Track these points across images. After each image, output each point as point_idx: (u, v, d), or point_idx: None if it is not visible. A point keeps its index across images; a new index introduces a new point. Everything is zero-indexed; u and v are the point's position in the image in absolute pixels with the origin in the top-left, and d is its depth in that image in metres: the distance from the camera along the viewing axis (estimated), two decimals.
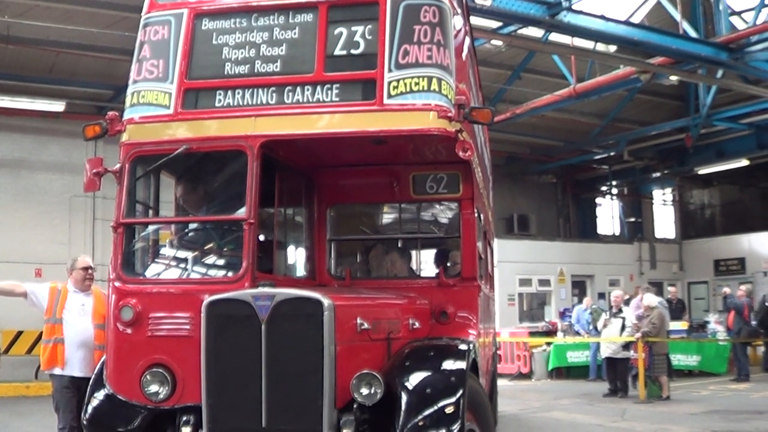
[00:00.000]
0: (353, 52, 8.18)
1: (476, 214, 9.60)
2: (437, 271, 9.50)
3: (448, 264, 9.95)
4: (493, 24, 20.12)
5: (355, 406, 7.23)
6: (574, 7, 19.21)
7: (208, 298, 7.48)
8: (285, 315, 7.23)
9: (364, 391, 7.19)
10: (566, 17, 19.00)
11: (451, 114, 7.87)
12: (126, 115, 8.47)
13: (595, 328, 24.31)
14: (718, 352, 25.45)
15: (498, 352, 19.16)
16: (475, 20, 18.60)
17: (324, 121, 8.10)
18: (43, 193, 25.20)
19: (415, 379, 7.40)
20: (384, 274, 10.24)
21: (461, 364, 7.63)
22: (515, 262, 31.35)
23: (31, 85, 24.37)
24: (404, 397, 7.22)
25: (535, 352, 26.36)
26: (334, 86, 8.10)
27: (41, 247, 24.29)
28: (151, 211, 8.80)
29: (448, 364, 7.76)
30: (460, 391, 7.27)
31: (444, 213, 10.21)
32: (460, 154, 7.95)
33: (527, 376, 26.19)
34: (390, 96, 7.91)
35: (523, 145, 35.75)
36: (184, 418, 7.65)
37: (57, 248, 24.14)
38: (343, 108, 8.05)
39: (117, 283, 8.20)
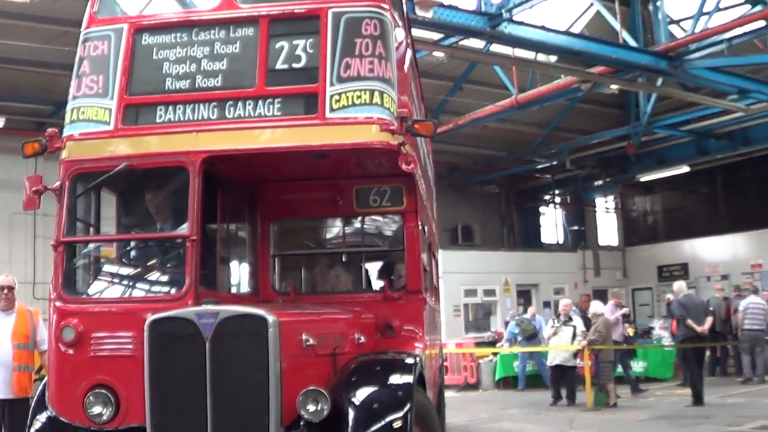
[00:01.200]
0: (295, 66, 8.17)
1: (420, 227, 9.55)
2: (382, 284, 9.49)
3: (393, 277, 9.88)
4: (435, 36, 20.11)
5: (302, 423, 7.18)
6: (514, 18, 19.28)
7: (150, 317, 7.37)
8: (229, 332, 7.15)
9: (311, 407, 7.14)
10: (507, 28, 19.06)
11: (394, 127, 7.88)
12: (66, 132, 8.38)
13: (526, 338, 24.57)
14: (663, 358, 25.62)
15: (445, 363, 19.14)
16: (417, 32, 18.60)
17: (266, 135, 8.09)
18: None
19: (361, 394, 7.40)
20: (329, 288, 10.19)
21: (408, 378, 7.64)
22: (460, 273, 31.27)
23: None
24: (351, 413, 7.19)
25: (482, 363, 26.34)
26: (276, 101, 8.08)
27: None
28: (92, 229, 8.67)
29: (395, 379, 7.76)
30: (408, 406, 7.27)
31: (388, 226, 10.15)
32: (403, 166, 7.97)
33: (474, 386, 26.17)
34: (332, 110, 7.91)
35: (466, 155, 35.81)
36: None
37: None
38: (285, 122, 8.03)
39: (58, 303, 8.05)
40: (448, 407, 15.39)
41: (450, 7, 18.29)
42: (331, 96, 7.93)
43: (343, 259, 10.46)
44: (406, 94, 8.93)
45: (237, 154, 8.22)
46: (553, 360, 21.54)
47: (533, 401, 22.03)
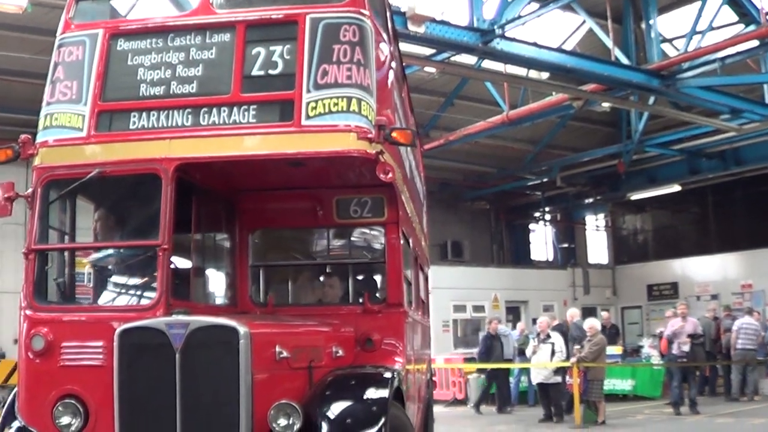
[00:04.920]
0: (271, 72, 8.03)
1: (403, 239, 9.47)
2: (362, 297, 9.29)
3: (374, 290, 9.71)
4: (427, 51, 20.12)
5: None
6: (506, 34, 19.25)
7: (120, 327, 7.25)
8: (200, 343, 7.01)
9: (282, 422, 7.03)
10: (499, 44, 19.04)
11: (371, 135, 7.74)
12: (39, 138, 8.26)
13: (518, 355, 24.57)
14: (652, 377, 25.54)
15: (433, 378, 19.09)
16: (408, 47, 18.62)
17: (240, 143, 7.92)
18: None
19: (335, 408, 7.30)
20: (308, 300, 10.06)
21: (383, 393, 7.55)
22: (449, 288, 31.18)
23: None
24: (324, 428, 7.10)
25: (471, 378, 26.28)
26: (251, 107, 7.94)
27: None
28: (66, 237, 8.51)
29: (370, 393, 7.67)
30: (382, 420, 7.17)
31: (369, 238, 9.97)
32: (381, 176, 7.83)
33: (463, 402, 26.15)
34: (308, 117, 7.76)
35: (456, 171, 35.70)
36: None
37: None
38: (260, 129, 7.90)
39: (28, 312, 7.92)
40: (436, 422, 15.33)
41: (442, 22, 18.26)
42: (308, 103, 7.78)
43: (324, 271, 10.30)
44: (390, 108, 8.82)
45: (212, 162, 8.09)
46: (535, 378, 21.59)
47: (521, 418, 22.04)
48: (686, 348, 22.21)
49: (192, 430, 6.93)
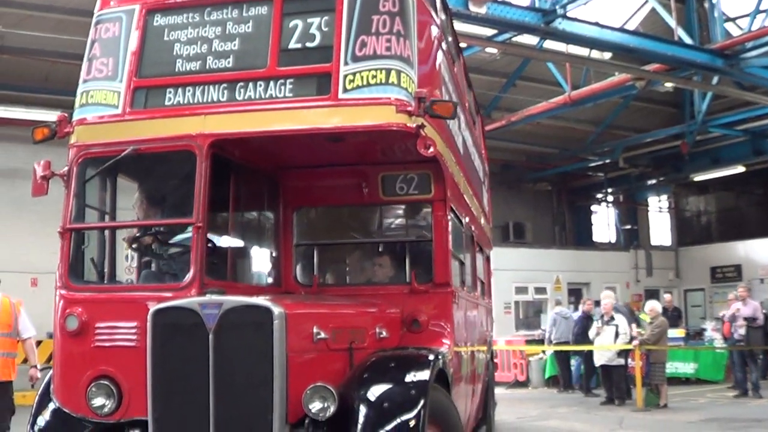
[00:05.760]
0: (308, 45, 7.75)
1: (452, 216, 9.18)
2: (409, 276, 8.95)
3: (422, 269, 9.19)
4: (488, 32, 20.05)
5: (306, 421, 6.77)
6: (568, 14, 19.18)
7: (154, 307, 7.06)
8: (233, 324, 6.78)
9: (316, 405, 6.72)
10: (561, 24, 18.93)
11: (411, 108, 7.44)
12: (75, 116, 8.16)
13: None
14: (715, 360, 25.35)
15: (495, 360, 19.01)
16: (470, 28, 18.62)
17: (276, 118, 7.67)
18: (37, 203, 24.53)
19: (373, 391, 6.97)
20: (355, 280, 9.90)
21: (424, 375, 7.18)
22: (511, 270, 31.11)
23: (26, 95, 24.20)
24: (361, 411, 6.78)
25: (532, 360, 26.28)
26: (288, 81, 7.69)
27: (36, 257, 23.98)
28: (102, 216, 8.41)
29: (410, 376, 7.26)
30: (420, 404, 6.83)
31: (416, 215, 9.68)
32: (422, 151, 7.51)
33: (524, 384, 26.15)
34: (345, 90, 7.47)
35: (518, 152, 35.68)
36: None
37: (52, 258, 23.55)
38: (296, 104, 7.62)
39: (62, 291, 7.85)
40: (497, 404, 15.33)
41: (503, 2, 18.22)
42: (345, 76, 7.48)
43: (370, 250, 9.92)
44: (436, 83, 8.55)
45: (249, 138, 7.89)
46: (598, 360, 21.43)
47: (583, 400, 21.95)
48: (742, 331, 21.99)
49: (225, 413, 6.73)
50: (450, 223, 8.95)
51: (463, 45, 16.42)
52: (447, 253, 8.79)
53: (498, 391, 17.68)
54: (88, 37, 8.41)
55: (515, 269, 31.73)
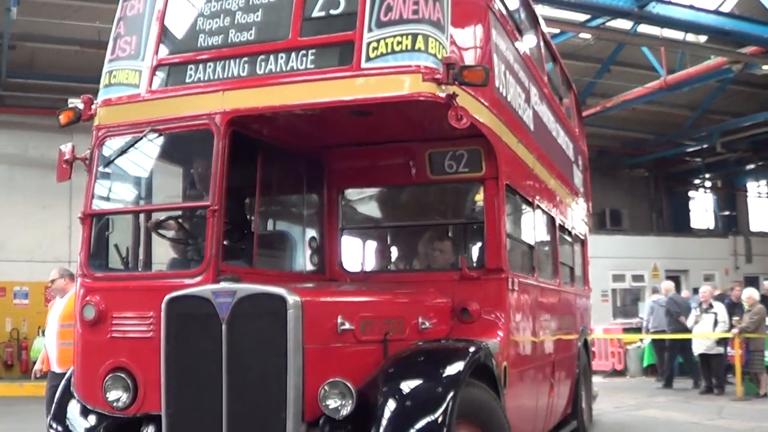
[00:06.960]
0: (333, 12, 7.27)
1: (510, 196, 8.60)
2: (459, 262, 8.35)
3: (477, 254, 8.88)
4: (581, 17, 19.90)
5: (321, 420, 6.32)
6: None
7: (168, 295, 6.70)
8: (247, 313, 6.38)
9: (331, 402, 6.25)
10: (655, 8, 18.74)
11: (439, 75, 6.85)
12: (99, 97, 7.95)
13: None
14: None
15: (592, 348, 18.76)
16: (563, 13, 18.58)
17: (295, 91, 7.22)
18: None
19: (396, 388, 6.42)
20: (404, 266, 9.54)
21: (455, 371, 6.58)
22: (608, 258, 30.77)
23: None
24: (381, 410, 6.25)
25: (630, 349, 25.99)
26: (310, 52, 7.22)
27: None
28: (121, 201, 8.29)
29: (440, 371, 6.64)
30: (445, 403, 6.25)
31: (468, 195, 9.15)
32: (453, 122, 6.83)
33: (621, 373, 25.87)
34: (369, 59, 6.97)
35: (613, 138, 35.40)
36: (146, 429, 6.99)
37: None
38: (317, 76, 7.15)
39: (82, 279, 7.64)
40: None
41: None
42: (368, 43, 6.98)
43: (431, 234, 9.19)
44: (485, 56, 8.04)
45: (273, 114, 7.54)
46: (697, 349, 21.10)
47: (682, 389, 21.68)
48: None
49: (238, 409, 6.35)
50: (507, 204, 8.41)
51: (555, 31, 16.35)
52: (500, 236, 8.16)
53: (595, 379, 17.49)
54: (115, 16, 8.24)
55: (612, 257, 31.37)
